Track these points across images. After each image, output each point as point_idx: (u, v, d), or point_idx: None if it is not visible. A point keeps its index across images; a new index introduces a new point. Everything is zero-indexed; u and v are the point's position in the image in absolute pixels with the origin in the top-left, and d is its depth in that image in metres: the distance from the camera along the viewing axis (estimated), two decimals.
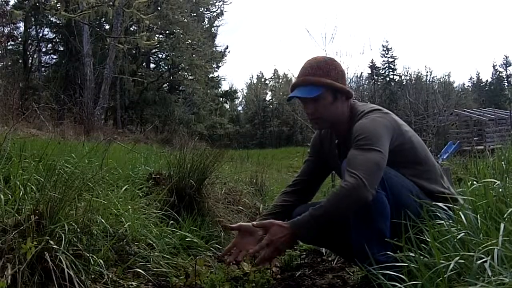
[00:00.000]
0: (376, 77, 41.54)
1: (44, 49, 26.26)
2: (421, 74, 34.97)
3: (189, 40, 23.81)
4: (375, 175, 1.78)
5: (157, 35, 23.91)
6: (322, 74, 2.01)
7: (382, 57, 42.54)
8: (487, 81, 57.41)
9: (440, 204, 1.73)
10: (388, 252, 1.63)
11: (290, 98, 2.09)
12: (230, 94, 35.16)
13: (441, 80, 36.51)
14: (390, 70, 42.65)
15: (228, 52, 30.87)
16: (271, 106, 41.14)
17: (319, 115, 2.05)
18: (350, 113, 2.07)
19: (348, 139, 1.97)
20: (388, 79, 42.10)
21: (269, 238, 1.86)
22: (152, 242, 2.31)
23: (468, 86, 55.90)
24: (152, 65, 28.65)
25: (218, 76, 31.64)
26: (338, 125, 2.09)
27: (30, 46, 25.22)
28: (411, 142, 1.99)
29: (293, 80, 2.24)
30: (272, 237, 1.85)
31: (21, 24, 23.05)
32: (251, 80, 45.14)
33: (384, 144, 1.85)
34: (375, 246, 1.75)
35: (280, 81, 42.22)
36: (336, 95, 2.03)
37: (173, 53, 24.46)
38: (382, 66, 42.72)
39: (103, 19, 21.38)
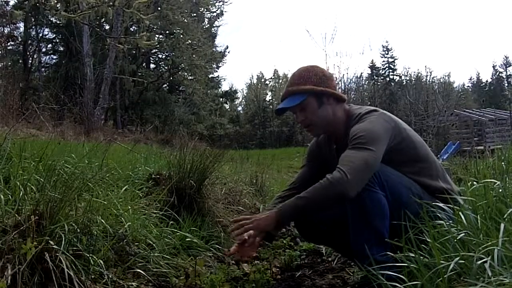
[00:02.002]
0: (376, 78, 41.54)
1: (44, 49, 26.29)
2: (421, 74, 35.02)
3: (189, 40, 23.83)
4: (362, 172, 1.79)
5: (157, 35, 23.94)
6: (302, 82, 2.06)
7: (382, 57, 42.56)
8: (487, 81, 57.42)
9: (440, 204, 1.73)
10: (387, 252, 1.63)
11: (277, 112, 2.18)
12: (230, 94, 35.15)
13: (441, 80, 36.51)
14: (390, 70, 42.64)
15: (228, 52, 30.94)
16: (271, 107, 41.10)
17: (309, 122, 2.09)
18: (346, 117, 2.08)
19: (345, 143, 1.97)
20: (388, 79, 42.08)
21: (252, 217, 1.93)
22: (152, 243, 2.31)
23: (468, 86, 55.98)
24: (152, 65, 28.67)
25: (218, 76, 31.70)
26: (334, 129, 2.10)
27: (30, 47, 25.22)
28: (411, 139, 2.00)
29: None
30: (257, 219, 1.90)
31: (21, 24, 23.10)
32: (251, 80, 45.16)
33: (379, 144, 1.86)
34: (374, 246, 1.75)
35: (280, 81, 42.20)
36: (321, 99, 2.05)
37: (173, 53, 24.48)
38: (382, 67, 42.70)
39: (103, 19, 21.36)
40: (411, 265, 1.41)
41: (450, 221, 1.62)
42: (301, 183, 2.25)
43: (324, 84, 2.06)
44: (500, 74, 54.77)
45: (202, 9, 27.10)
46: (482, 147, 15.23)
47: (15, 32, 23.02)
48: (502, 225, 1.30)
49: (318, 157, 2.26)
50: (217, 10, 27.97)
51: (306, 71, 2.09)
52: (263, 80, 44.00)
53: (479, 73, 66.36)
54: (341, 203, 1.85)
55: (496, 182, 1.77)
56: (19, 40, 23.88)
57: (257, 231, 1.86)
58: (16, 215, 1.79)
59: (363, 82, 37.67)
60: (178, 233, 2.59)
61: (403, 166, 1.95)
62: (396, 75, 42.23)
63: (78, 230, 1.89)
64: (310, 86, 2.04)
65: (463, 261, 1.30)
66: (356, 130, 1.91)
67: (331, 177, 1.77)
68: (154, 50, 26.19)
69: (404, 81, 39.06)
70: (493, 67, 55.52)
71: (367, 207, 1.80)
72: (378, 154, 1.84)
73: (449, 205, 1.72)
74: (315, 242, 2.74)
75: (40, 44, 25.56)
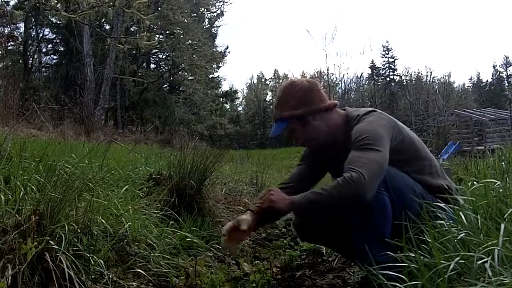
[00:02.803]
0: (377, 78, 41.55)
1: (44, 50, 26.28)
2: (421, 74, 34.99)
3: (189, 41, 23.84)
4: (377, 175, 1.78)
5: (157, 36, 23.89)
6: (282, 106, 2.07)
7: (382, 57, 42.54)
8: (487, 81, 57.35)
9: (441, 204, 1.73)
10: (389, 253, 1.63)
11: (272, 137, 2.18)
12: (231, 95, 35.18)
13: (442, 80, 36.49)
14: (391, 70, 42.61)
15: (228, 53, 30.90)
16: (272, 106, 41.12)
17: (303, 140, 2.12)
18: (344, 121, 2.07)
19: (347, 145, 1.96)
20: (388, 79, 42.07)
21: (272, 189, 1.93)
22: (152, 243, 2.31)
23: (468, 86, 55.87)
24: (152, 66, 28.65)
25: (218, 77, 31.70)
26: (333, 136, 2.09)
27: (31, 47, 25.21)
28: (410, 138, 2.00)
29: None
30: (274, 191, 1.91)
31: (22, 25, 23.10)
32: (251, 80, 45.22)
33: (385, 144, 1.85)
34: (375, 246, 1.75)
35: (281, 81, 42.19)
36: (304, 120, 2.05)
37: (174, 54, 24.47)
38: (383, 67, 42.68)
39: (103, 20, 21.37)
40: (412, 265, 1.40)
41: (451, 221, 1.62)
42: (295, 183, 2.23)
43: (304, 103, 2.04)
44: (500, 74, 54.71)
45: (202, 9, 27.09)
46: (482, 147, 15.23)
47: (16, 32, 23.02)
48: (502, 225, 1.30)
49: (313, 159, 2.26)
50: (217, 10, 27.98)
51: (285, 93, 2.09)
52: (263, 80, 44.09)
53: (479, 73, 66.18)
54: (355, 204, 1.84)
55: (497, 182, 1.77)
56: (20, 40, 23.87)
57: (270, 208, 1.87)
58: (17, 215, 1.79)
59: (364, 82, 37.77)
60: (178, 233, 2.59)
61: (405, 165, 1.95)
62: (397, 75, 42.22)
63: (79, 230, 1.89)
64: (289, 112, 2.04)
65: (464, 261, 1.30)
66: (360, 131, 1.90)
67: (349, 177, 1.74)
68: (154, 50, 26.18)
69: (404, 81, 39.04)
70: (494, 67, 55.50)
71: (370, 208, 1.79)
72: (386, 155, 1.83)
73: (450, 205, 1.73)
74: (312, 242, 2.74)
75: (41, 44, 25.56)
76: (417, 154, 2.00)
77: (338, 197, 1.78)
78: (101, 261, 1.88)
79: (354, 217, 1.87)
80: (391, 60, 42.53)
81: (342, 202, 1.83)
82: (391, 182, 1.84)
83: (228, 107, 38.34)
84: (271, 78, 44.22)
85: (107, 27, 22.35)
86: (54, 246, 1.69)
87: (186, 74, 26.11)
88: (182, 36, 23.67)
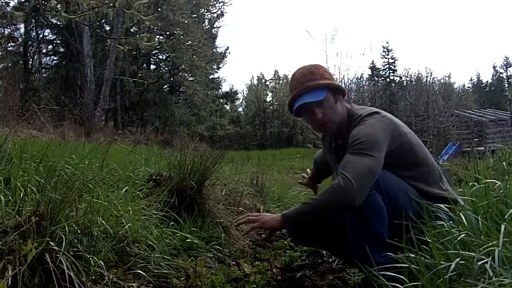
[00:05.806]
0: (377, 78, 41.50)
1: (44, 51, 26.27)
2: (421, 75, 34.88)
3: (189, 41, 23.83)
4: (366, 180, 1.78)
5: (157, 36, 23.91)
6: (318, 77, 2.03)
7: (382, 58, 42.51)
8: (487, 82, 57.48)
9: (441, 206, 1.73)
10: (388, 253, 1.63)
11: (298, 109, 2.05)
12: (231, 95, 35.18)
13: (442, 81, 36.40)
14: (391, 71, 42.60)
15: (229, 53, 30.96)
16: (272, 107, 41.10)
17: (327, 118, 2.04)
18: (347, 115, 2.07)
19: (345, 144, 1.96)
20: (388, 80, 42.03)
21: (259, 215, 2.02)
22: (152, 243, 2.31)
23: (469, 87, 55.90)
24: (152, 66, 28.66)
25: (218, 77, 31.70)
26: (340, 127, 2.09)
27: (31, 48, 25.22)
28: (410, 144, 1.98)
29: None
30: (264, 218, 1.99)
31: (22, 26, 23.10)
32: (251, 81, 45.07)
33: (380, 150, 1.85)
34: (374, 248, 1.74)
35: (281, 82, 42.14)
36: (336, 95, 2.05)
37: (174, 54, 24.47)
38: (383, 67, 42.66)
39: (103, 20, 21.38)
40: (412, 265, 1.40)
41: (450, 222, 1.62)
42: (319, 166, 2.53)
43: (335, 80, 2.09)
44: (500, 75, 54.83)
45: (203, 10, 27.07)
46: (482, 148, 15.23)
47: (16, 33, 23.02)
48: (502, 226, 1.30)
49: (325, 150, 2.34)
50: (217, 11, 27.97)
51: (315, 68, 2.07)
52: (263, 81, 43.98)
53: (479, 74, 66.42)
54: (345, 211, 1.85)
55: (497, 183, 1.77)
56: (20, 41, 23.86)
57: (262, 229, 1.96)
58: (17, 216, 1.79)
59: (364, 83, 37.64)
60: (178, 234, 2.58)
61: (401, 170, 1.94)
62: (397, 76, 42.18)
63: (79, 231, 1.89)
64: (329, 81, 2.03)
65: (464, 262, 1.30)
66: (357, 134, 1.90)
67: (337, 184, 1.76)
68: (154, 51, 26.18)
69: (404, 82, 38.95)
70: (494, 67, 55.62)
71: (366, 211, 1.79)
72: (380, 160, 1.83)
73: (448, 206, 1.73)
74: (307, 246, 2.74)
75: (41, 45, 25.56)
76: (415, 160, 1.98)
77: (328, 205, 1.82)
78: (101, 262, 1.88)
79: (348, 220, 1.87)
80: (391, 61, 42.53)
81: (332, 210, 1.85)
82: (384, 185, 1.84)
83: (228, 108, 38.35)
84: (271, 79, 44.15)
85: (107, 28, 22.37)
86: (54, 247, 1.69)
87: (186, 75, 26.12)
88: (182, 37, 23.66)
